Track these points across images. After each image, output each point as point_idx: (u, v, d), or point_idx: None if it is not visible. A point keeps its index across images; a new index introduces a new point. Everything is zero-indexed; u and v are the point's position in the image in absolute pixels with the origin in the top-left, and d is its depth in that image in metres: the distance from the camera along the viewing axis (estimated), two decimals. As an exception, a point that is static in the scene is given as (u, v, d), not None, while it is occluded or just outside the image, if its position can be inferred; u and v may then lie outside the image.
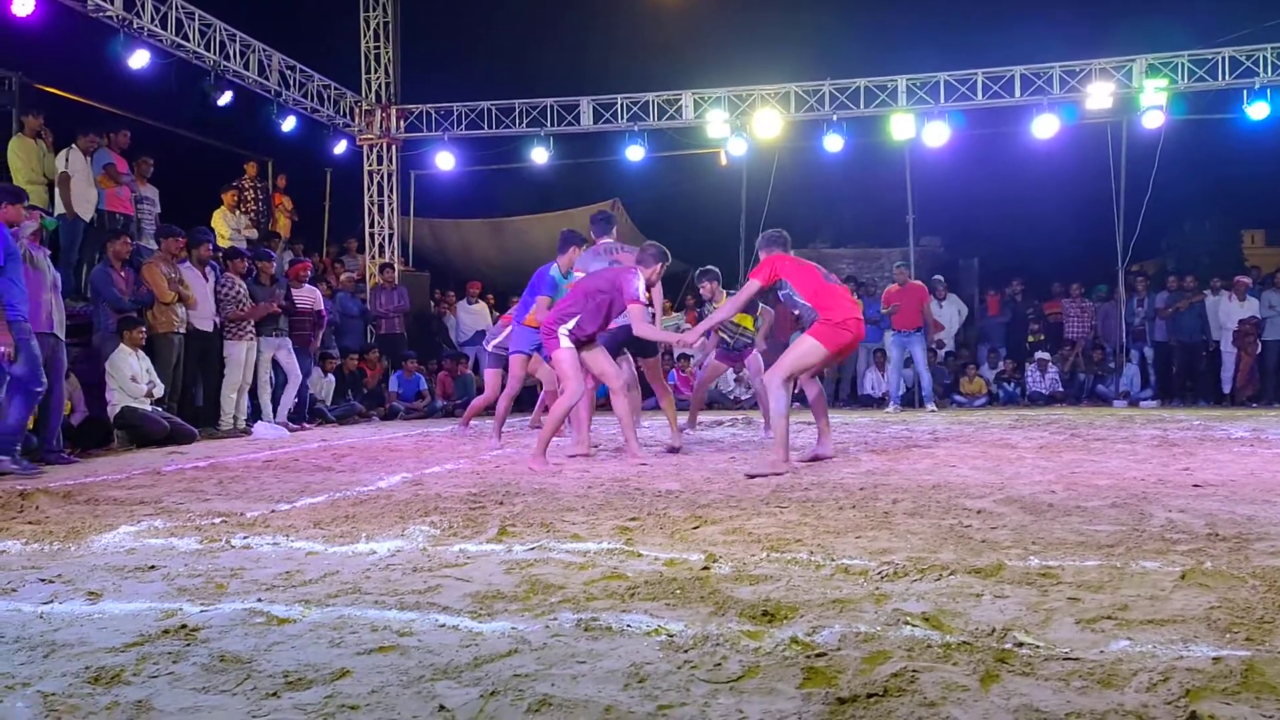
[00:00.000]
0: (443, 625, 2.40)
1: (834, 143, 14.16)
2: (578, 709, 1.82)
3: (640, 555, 3.23)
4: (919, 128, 13.92)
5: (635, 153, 14.75)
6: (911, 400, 13.45)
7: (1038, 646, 2.16)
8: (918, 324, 13.03)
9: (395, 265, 14.84)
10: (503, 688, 1.94)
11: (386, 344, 13.51)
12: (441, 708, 1.85)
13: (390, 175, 15.59)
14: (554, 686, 1.95)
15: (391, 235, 15.58)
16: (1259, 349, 13.46)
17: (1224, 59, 13.16)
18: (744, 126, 14.43)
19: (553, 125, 14.97)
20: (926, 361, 13.18)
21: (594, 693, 1.91)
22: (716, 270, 8.94)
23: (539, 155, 14.82)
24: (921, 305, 13.10)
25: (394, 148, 15.54)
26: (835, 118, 14.17)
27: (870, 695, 1.85)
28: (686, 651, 2.15)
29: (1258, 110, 12.98)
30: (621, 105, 14.89)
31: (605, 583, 2.84)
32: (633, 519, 3.99)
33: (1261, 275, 14.70)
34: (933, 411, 12.54)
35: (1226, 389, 13.74)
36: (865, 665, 2.03)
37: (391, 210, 15.55)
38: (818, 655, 2.11)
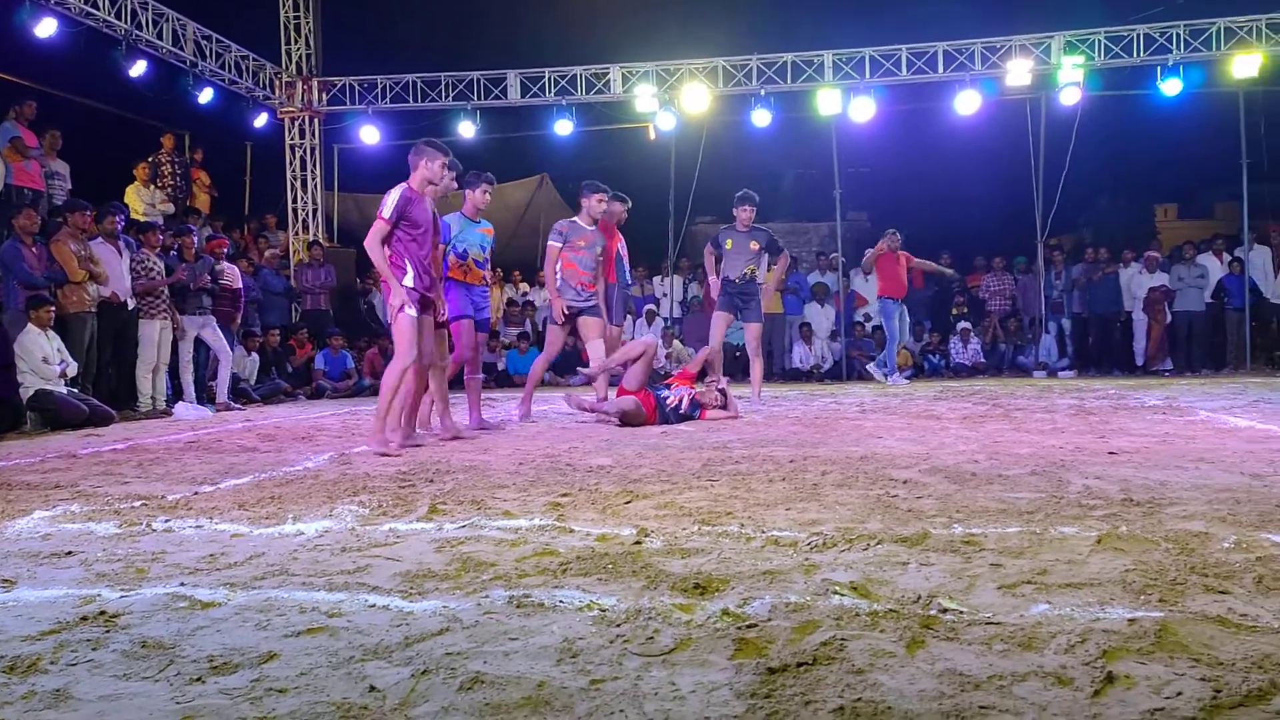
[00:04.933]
0: (373, 605, 2.38)
1: (762, 117, 14.22)
2: (510, 685, 1.82)
3: (572, 531, 3.23)
4: (845, 103, 14.05)
5: (564, 127, 14.66)
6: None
7: (961, 612, 2.21)
8: (905, 292, 12.98)
9: (321, 241, 14.57)
10: (434, 666, 1.93)
11: (312, 321, 13.28)
12: (372, 688, 1.83)
13: (313, 149, 15.28)
14: (486, 664, 1.94)
15: (315, 211, 15.29)
16: (1169, 319, 13.92)
17: (1139, 36, 13.50)
18: (672, 101, 14.41)
19: (480, 99, 14.79)
20: (909, 331, 13.36)
21: (526, 669, 1.91)
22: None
23: (466, 129, 14.64)
24: (908, 269, 12.95)
25: (316, 121, 15.22)
26: (763, 92, 14.24)
27: (800, 664, 1.87)
28: (619, 626, 2.16)
29: (1170, 86, 13.35)
30: (549, 79, 14.77)
31: (537, 559, 2.84)
32: (564, 495, 3.99)
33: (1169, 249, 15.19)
34: (905, 381, 12.72)
35: (1139, 360, 14.18)
36: (795, 635, 2.06)
37: (315, 185, 15.25)
38: (749, 626, 2.13)
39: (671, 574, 2.60)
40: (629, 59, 14.78)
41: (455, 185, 6.54)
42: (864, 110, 14.00)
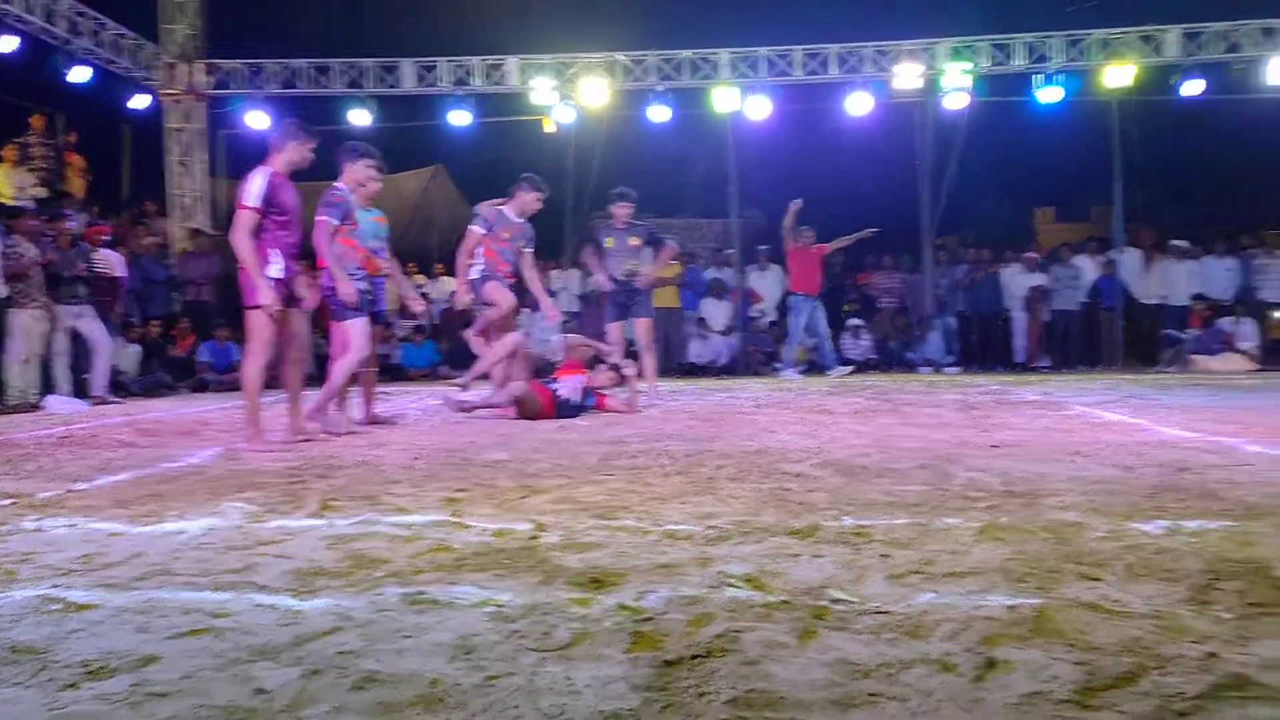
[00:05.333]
0: (260, 605, 2.31)
1: (660, 113, 14.30)
2: (403, 683, 1.79)
3: (468, 526, 3.20)
4: (742, 101, 14.22)
5: (460, 117, 14.49)
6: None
7: (851, 602, 2.26)
8: (820, 287, 13.05)
9: (205, 230, 14.09)
10: (325, 666, 1.89)
11: (195, 312, 12.83)
12: (260, 690, 1.78)
13: (197, 134, 14.75)
14: (379, 662, 1.91)
15: (199, 198, 14.77)
16: (1047, 318, 14.49)
17: (1020, 44, 14.00)
18: (570, 94, 14.37)
19: (373, 86, 14.50)
20: (827, 326, 13.39)
21: (420, 666, 1.88)
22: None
23: (359, 117, 14.34)
24: (823, 261, 12.97)
25: (201, 105, 14.69)
26: (661, 88, 14.31)
27: (695, 657, 1.89)
28: (515, 621, 2.15)
29: (1049, 94, 13.89)
30: (445, 68, 14.56)
31: (432, 555, 2.80)
32: (460, 490, 3.95)
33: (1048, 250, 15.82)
34: (841, 374, 12.75)
35: (1019, 356, 14.73)
36: (690, 628, 2.07)
37: (199, 171, 14.73)
38: (644, 620, 2.14)
39: (568, 569, 2.60)
40: (527, 50, 14.68)
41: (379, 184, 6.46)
42: (760, 109, 14.20)
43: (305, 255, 6.22)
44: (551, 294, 15.44)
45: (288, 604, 2.32)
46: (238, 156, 15.61)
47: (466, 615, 2.21)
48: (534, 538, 3.01)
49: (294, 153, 5.72)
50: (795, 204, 12.25)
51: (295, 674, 1.85)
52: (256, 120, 14.35)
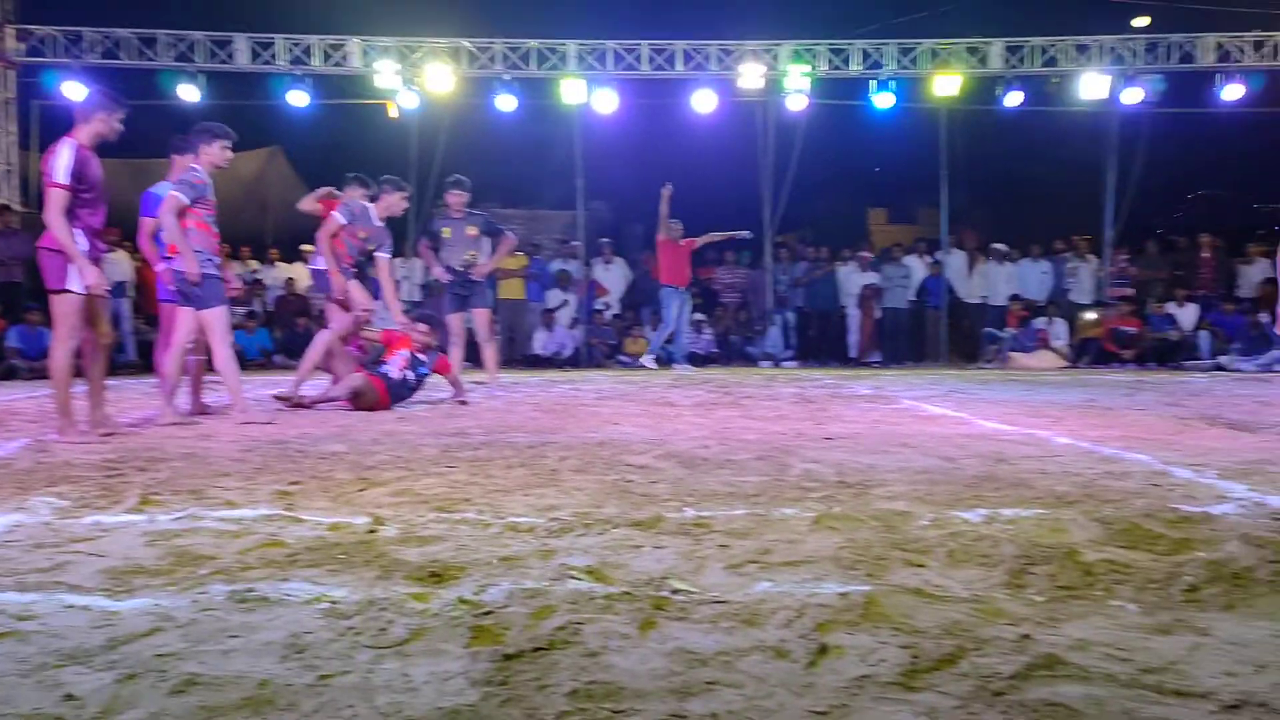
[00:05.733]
0: (71, 606, 2.17)
1: (506, 102, 14.17)
2: (229, 685, 1.71)
3: (301, 520, 3.09)
4: (589, 93, 14.24)
5: (298, 98, 13.98)
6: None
7: (691, 592, 2.29)
8: (689, 280, 13.07)
9: (14, 206, 13.13)
10: (142, 669, 1.78)
11: (4, 294, 11.96)
12: (69, 696, 1.67)
13: (7, 104, 13.74)
14: (202, 664, 1.82)
15: (9, 172, 13.77)
16: (878, 315, 15.10)
17: (857, 50, 14.52)
18: (415, 79, 14.07)
19: (204, 61, 13.82)
20: (689, 320, 13.39)
21: (248, 667, 1.80)
22: None
23: (188, 93, 13.65)
24: (691, 255, 13.01)
25: (11, 73, 13.69)
26: (507, 77, 14.18)
27: (536, 649, 1.88)
28: (350, 618, 2.08)
29: (883, 100, 14.46)
30: (281, 46, 14.02)
31: (262, 551, 2.69)
32: (294, 483, 3.80)
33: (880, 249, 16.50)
34: (687, 370, 12.76)
35: (853, 352, 15.30)
36: (531, 620, 2.06)
37: (9, 144, 13.72)
38: (485, 614, 2.11)
39: (407, 562, 2.54)
40: (369, 32, 14.28)
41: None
42: (607, 102, 14.25)
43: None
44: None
45: (102, 605, 2.18)
46: (52, 128, 14.62)
47: (298, 612, 2.13)
48: (371, 531, 2.93)
49: (101, 124, 5.39)
50: (667, 189, 12.28)
51: (109, 679, 1.74)
52: (74, 91, 13.44)
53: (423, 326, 7.27)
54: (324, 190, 8.31)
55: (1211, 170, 23.09)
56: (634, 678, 1.76)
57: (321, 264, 7.55)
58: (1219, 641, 1.94)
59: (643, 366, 12.98)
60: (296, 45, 14.08)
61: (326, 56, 14.19)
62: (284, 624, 2.05)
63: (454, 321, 8.82)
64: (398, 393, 7.03)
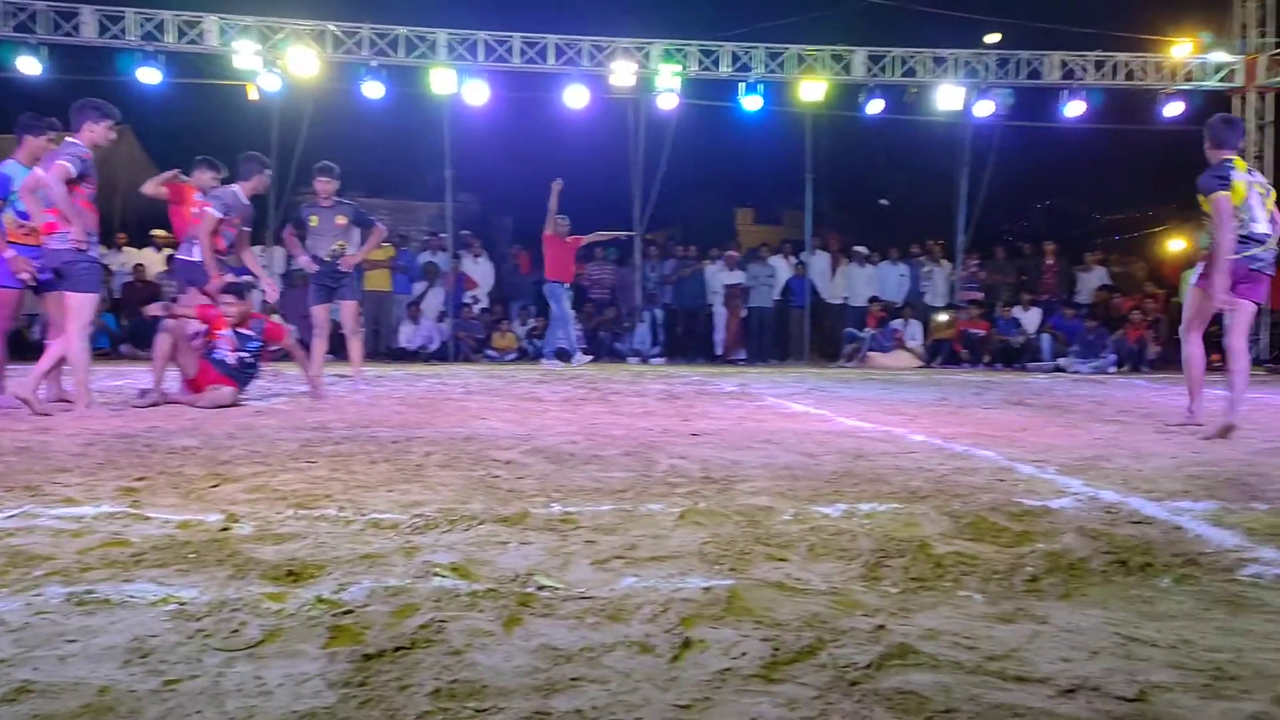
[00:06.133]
0: (-112, 613, 2.02)
1: (374, 89, 13.85)
2: (66, 693, 1.62)
3: (148, 519, 2.95)
4: (459, 84, 14.04)
5: (149, 75, 13.34)
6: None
7: (557, 588, 2.29)
8: (573, 277, 13.10)
9: None
10: (-31, 679, 1.67)
11: None
12: (-117, 712, 1.55)
13: None
14: (37, 671, 1.71)
15: None
16: (744, 313, 15.39)
17: (726, 52, 14.75)
18: (276, 62, 13.60)
19: (46, 32, 13.05)
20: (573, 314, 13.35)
21: (87, 673, 1.71)
22: None
23: (28, 65, 12.86)
24: (576, 252, 13.09)
25: None
26: (374, 64, 13.85)
27: (397, 649, 1.84)
28: (199, 620, 2.00)
29: (751, 102, 14.73)
30: (132, 20, 13.35)
31: (104, 550, 2.55)
32: (140, 479, 3.63)
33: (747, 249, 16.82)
34: (583, 361, 12.81)
35: (719, 349, 15.54)
36: (393, 619, 2.02)
37: None
38: (344, 613, 2.06)
39: (262, 561, 2.46)
40: (227, 10, 13.74)
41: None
42: (477, 94, 14.08)
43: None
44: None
45: (-76, 610, 2.03)
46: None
47: (143, 615, 2.03)
48: (225, 529, 2.82)
49: None
50: (557, 185, 12.21)
51: (-69, 690, 1.63)
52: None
53: (228, 298, 6.95)
54: (170, 174, 7.99)
55: (1055, 182, 24.43)
56: (498, 675, 1.74)
57: (196, 255, 7.33)
58: (1056, 629, 2.05)
59: (549, 368, 12.95)
60: (149, 20, 13.44)
61: (181, 33, 13.59)
62: (127, 627, 1.95)
63: (319, 313, 8.55)
64: (239, 376, 6.81)
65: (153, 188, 7.97)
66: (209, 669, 1.75)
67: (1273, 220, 5.69)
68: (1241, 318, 5.71)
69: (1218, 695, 1.70)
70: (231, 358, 6.83)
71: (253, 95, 14.20)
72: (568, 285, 13.03)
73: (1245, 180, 5.63)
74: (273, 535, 2.76)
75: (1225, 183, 5.53)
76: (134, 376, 8.19)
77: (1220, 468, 4.29)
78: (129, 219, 15.97)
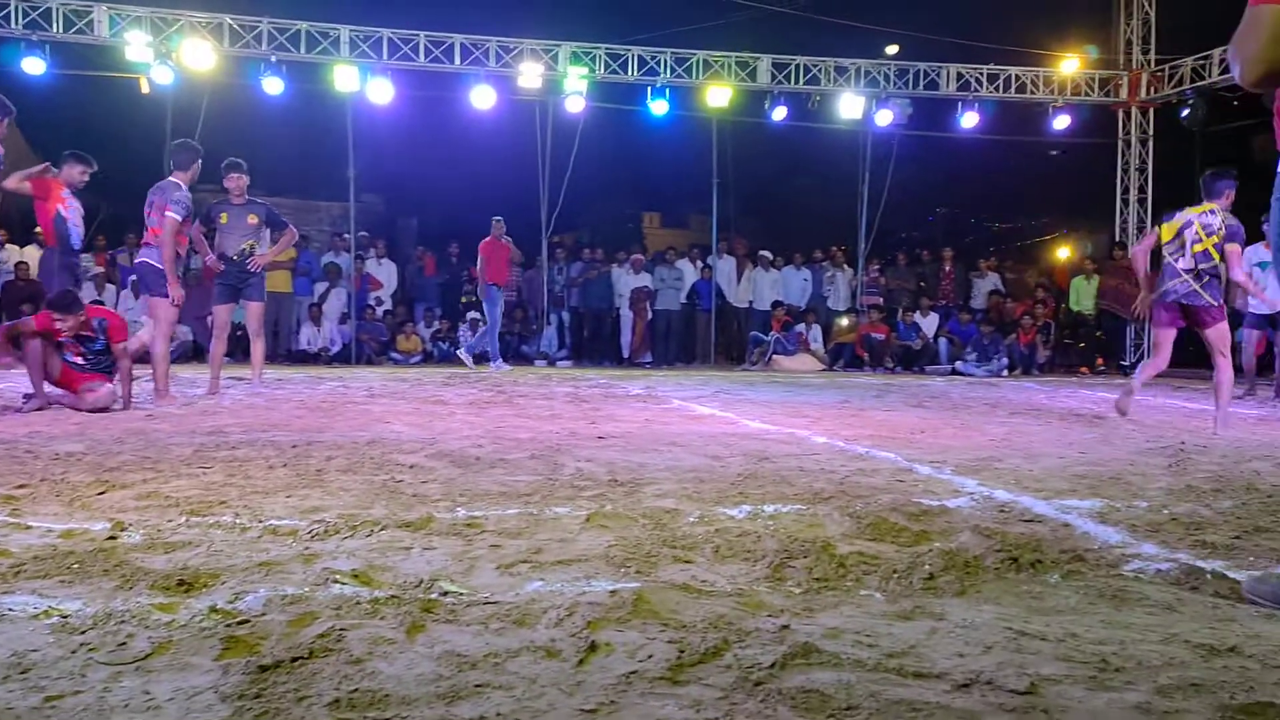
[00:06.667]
0: None
1: (273, 85, 13.50)
2: (-62, 715, 1.54)
3: (29, 528, 2.82)
4: (363, 81, 13.80)
5: (33, 65, 12.78)
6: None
7: (461, 594, 2.26)
8: (506, 279, 13.18)
9: None
10: None
11: None
12: None
13: None
14: (-95, 692, 1.62)
15: None
16: (650, 316, 15.46)
17: (634, 56, 14.80)
18: (171, 55, 13.17)
19: (-81, 18, 12.42)
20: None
21: (-39, 693, 1.62)
22: None
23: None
24: (509, 258, 13.27)
25: None
26: (274, 59, 13.52)
27: (295, 659, 1.79)
28: (84, 633, 1.92)
29: (658, 107, 14.80)
30: (16, 9, 12.78)
31: (-19, 563, 2.43)
32: (21, 486, 3.47)
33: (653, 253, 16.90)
34: (504, 368, 12.78)
35: (625, 352, 15.58)
36: (291, 629, 1.97)
37: None
38: (240, 623, 2.00)
39: (152, 571, 2.37)
40: (118, 0, 13.25)
41: None
42: (382, 92, 13.85)
43: None
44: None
45: None
46: None
47: (23, 629, 1.94)
48: (112, 538, 2.72)
49: None
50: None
51: None
52: None
53: (57, 314, 6.61)
54: (40, 168, 7.65)
55: (952, 190, 25.18)
56: (400, 684, 1.71)
57: (154, 258, 7.17)
58: (952, 625, 2.10)
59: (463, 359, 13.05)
60: (34, 9, 12.88)
61: (69, 23, 13.06)
62: (5, 641, 1.87)
63: (221, 313, 8.31)
64: (101, 368, 6.60)
65: (15, 182, 7.52)
66: (94, 684, 1.68)
67: (1203, 257, 6.37)
68: (1163, 339, 6.61)
69: (1104, 686, 1.77)
70: (82, 360, 6.59)
71: (145, 89, 13.71)
72: (502, 287, 13.18)
73: (1185, 220, 6.44)
74: (164, 544, 2.67)
75: (1167, 219, 6.60)
76: (15, 381, 7.83)
77: (1105, 467, 4.47)
78: (11, 216, 15.25)
